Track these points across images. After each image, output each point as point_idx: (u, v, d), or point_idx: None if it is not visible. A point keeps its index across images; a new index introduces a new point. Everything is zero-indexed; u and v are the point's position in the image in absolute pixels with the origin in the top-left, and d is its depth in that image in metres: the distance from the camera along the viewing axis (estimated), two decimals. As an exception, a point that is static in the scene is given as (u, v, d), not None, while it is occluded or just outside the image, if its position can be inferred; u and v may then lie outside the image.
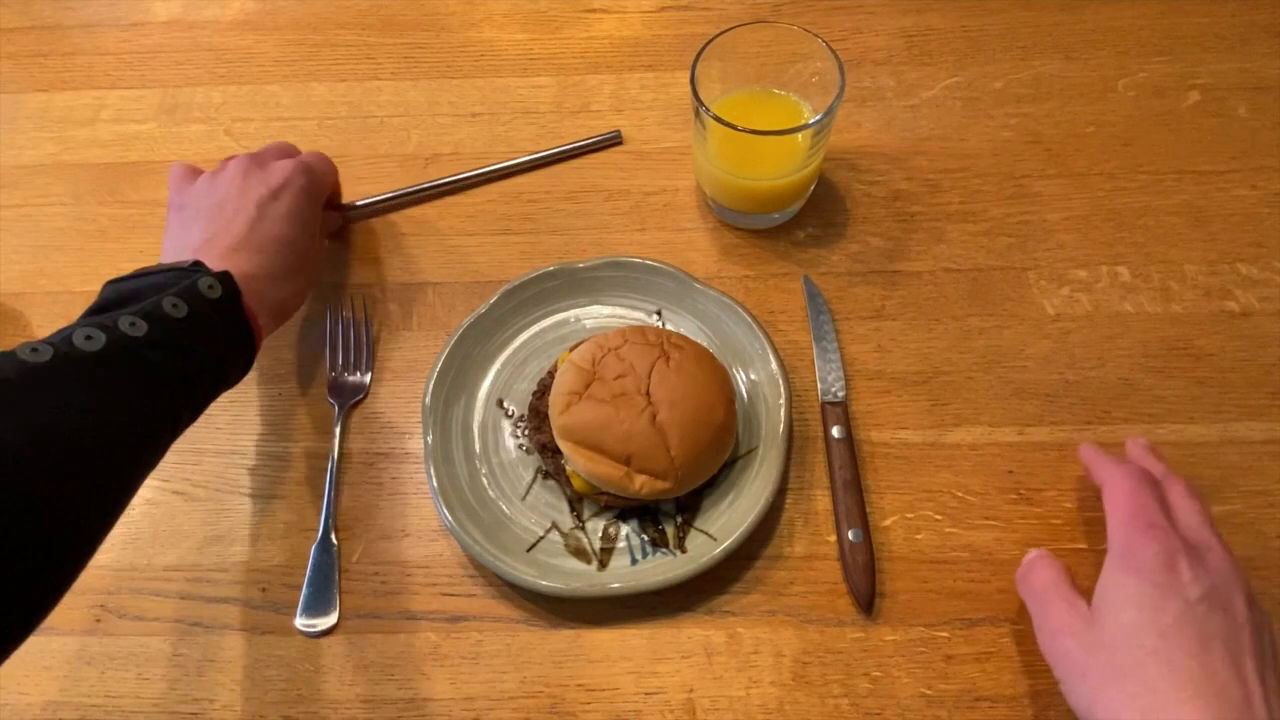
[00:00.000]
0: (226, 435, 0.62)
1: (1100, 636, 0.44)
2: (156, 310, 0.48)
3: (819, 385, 0.61)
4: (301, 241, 0.58)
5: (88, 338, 0.45)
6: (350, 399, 0.63)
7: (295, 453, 0.62)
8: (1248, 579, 0.46)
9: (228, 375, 0.53)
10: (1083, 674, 0.44)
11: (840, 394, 0.61)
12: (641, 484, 0.54)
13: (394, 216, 0.70)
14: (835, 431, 0.59)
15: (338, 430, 0.61)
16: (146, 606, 0.57)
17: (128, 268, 0.68)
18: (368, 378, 0.64)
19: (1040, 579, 0.49)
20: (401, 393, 0.63)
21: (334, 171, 0.66)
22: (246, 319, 0.53)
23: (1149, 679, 0.42)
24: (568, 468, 0.56)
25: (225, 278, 0.52)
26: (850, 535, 0.55)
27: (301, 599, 0.56)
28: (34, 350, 0.43)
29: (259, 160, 0.60)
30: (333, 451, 0.61)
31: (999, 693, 0.52)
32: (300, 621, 0.56)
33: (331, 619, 0.56)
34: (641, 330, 0.58)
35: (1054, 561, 0.50)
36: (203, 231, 0.56)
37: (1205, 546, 0.46)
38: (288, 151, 0.64)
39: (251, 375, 0.64)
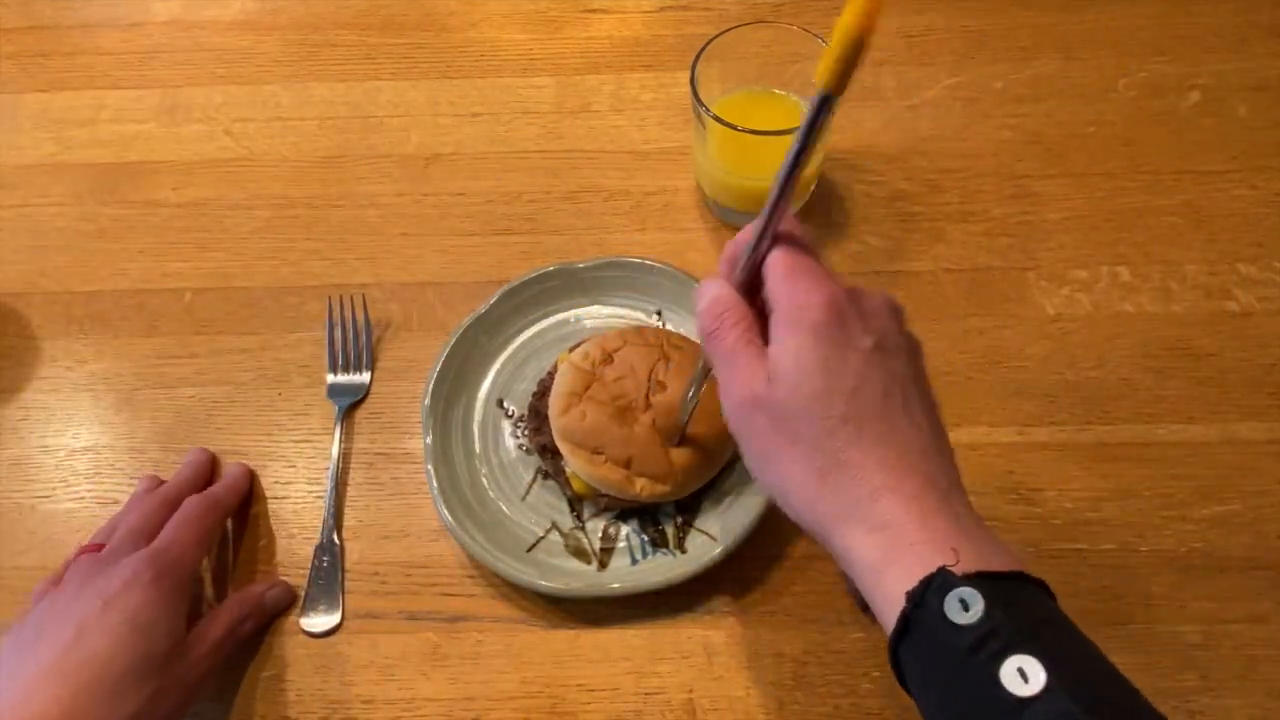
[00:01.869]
0: (226, 435, 0.62)
1: (785, 406, 0.39)
2: None
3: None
4: (139, 648, 0.47)
5: None
6: (350, 399, 0.63)
7: (295, 453, 0.62)
8: (891, 297, 0.42)
9: None
10: (762, 440, 0.40)
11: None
12: (642, 487, 0.54)
13: (394, 216, 0.70)
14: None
15: (338, 430, 0.61)
16: (146, 606, 0.57)
17: (128, 268, 0.69)
18: (367, 377, 0.64)
19: (731, 337, 0.41)
20: (401, 393, 0.63)
21: (223, 513, 0.57)
22: None
23: (837, 448, 0.38)
24: (567, 469, 0.56)
25: None
26: (850, 535, 0.55)
27: (304, 599, 0.56)
28: None
29: (100, 562, 0.50)
30: (333, 451, 0.61)
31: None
32: (304, 621, 0.56)
33: (335, 618, 0.56)
34: (641, 331, 0.58)
35: (744, 310, 0.42)
36: (10, 665, 0.47)
37: (865, 294, 0.42)
38: (148, 527, 0.53)
39: (251, 376, 0.64)
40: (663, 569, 0.55)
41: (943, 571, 0.34)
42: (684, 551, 0.56)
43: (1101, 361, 0.62)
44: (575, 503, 0.58)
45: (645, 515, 0.57)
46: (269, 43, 0.80)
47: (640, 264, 0.64)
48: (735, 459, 0.58)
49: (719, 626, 0.55)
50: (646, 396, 0.54)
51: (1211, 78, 0.72)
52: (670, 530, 0.57)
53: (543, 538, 0.57)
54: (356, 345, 0.65)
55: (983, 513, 0.57)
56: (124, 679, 0.46)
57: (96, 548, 0.52)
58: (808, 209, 0.68)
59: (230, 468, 0.60)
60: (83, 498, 0.61)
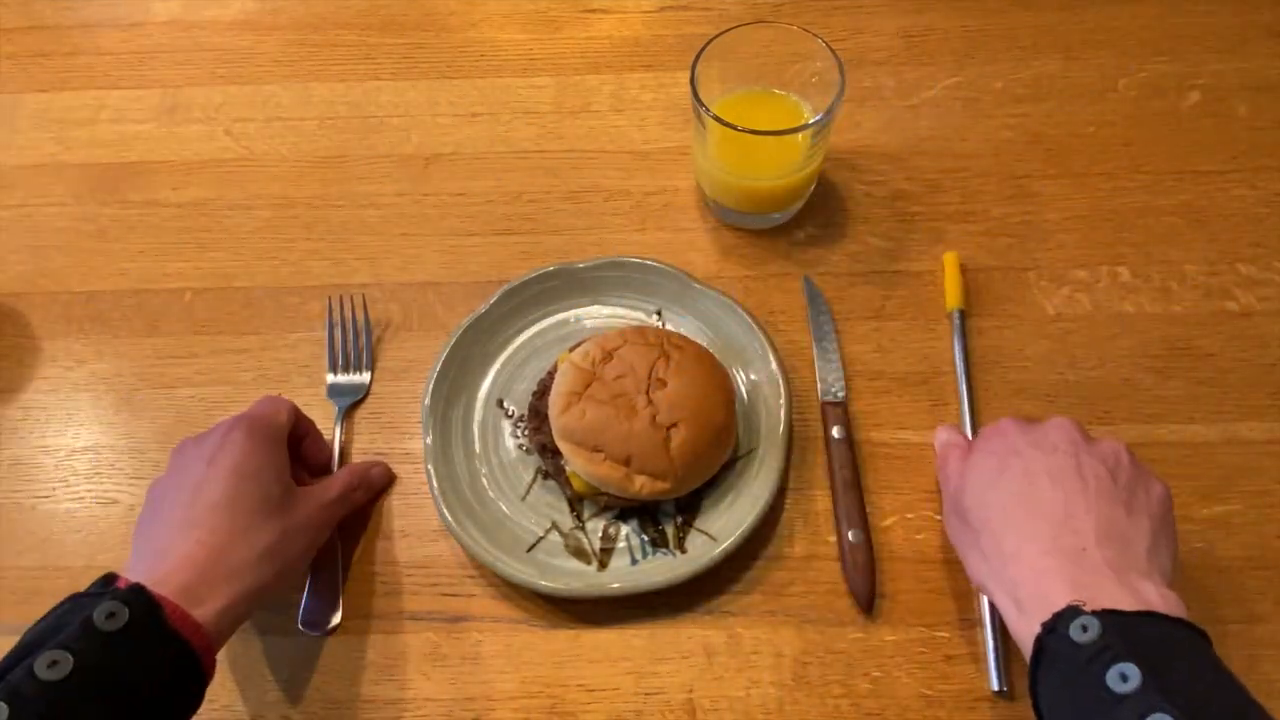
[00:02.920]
0: (226, 435, 0.62)
1: (961, 513, 0.50)
2: (25, 679, 0.39)
3: (819, 385, 0.61)
4: (255, 493, 0.50)
5: None
6: (350, 399, 0.63)
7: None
8: (1084, 431, 0.49)
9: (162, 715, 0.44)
10: (956, 533, 0.51)
11: (840, 394, 0.61)
12: (641, 484, 0.54)
13: (394, 216, 0.70)
14: (835, 431, 0.59)
15: (338, 430, 0.61)
16: (146, 606, 0.57)
17: (128, 268, 0.69)
18: (367, 377, 0.64)
19: (952, 458, 0.53)
20: (401, 393, 0.63)
21: (284, 408, 0.57)
22: (177, 635, 0.44)
23: (989, 530, 0.47)
24: (567, 468, 0.56)
25: (135, 594, 0.43)
26: (850, 535, 0.55)
27: (304, 599, 0.56)
28: None
29: (196, 437, 0.54)
30: (333, 451, 0.61)
31: (1017, 691, 0.52)
32: (304, 621, 0.56)
33: (335, 618, 0.56)
34: (641, 330, 0.58)
35: (964, 442, 0.54)
36: (147, 527, 0.51)
37: (1046, 421, 0.51)
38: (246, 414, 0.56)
39: (251, 376, 0.64)
40: (663, 569, 0.55)
41: (1070, 606, 0.41)
42: (684, 551, 0.56)
43: (1101, 361, 0.62)
44: (575, 502, 0.58)
45: (645, 515, 0.57)
46: (269, 43, 0.80)
47: (640, 264, 0.64)
48: (735, 458, 0.58)
49: (719, 626, 0.55)
50: (646, 395, 0.54)
51: (1211, 78, 0.72)
52: (670, 530, 0.57)
53: (543, 538, 0.57)
54: (356, 345, 0.65)
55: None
56: (251, 518, 0.50)
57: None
58: (808, 209, 0.68)
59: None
60: (83, 498, 0.61)
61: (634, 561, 0.56)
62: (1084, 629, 0.39)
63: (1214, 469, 0.58)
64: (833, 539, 0.57)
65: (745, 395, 0.61)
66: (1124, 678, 0.37)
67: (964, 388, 0.60)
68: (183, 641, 0.44)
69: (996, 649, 0.52)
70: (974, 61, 0.75)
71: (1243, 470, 0.58)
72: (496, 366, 0.63)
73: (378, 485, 0.60)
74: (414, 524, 0.59)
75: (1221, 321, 0.63)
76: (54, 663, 0.40)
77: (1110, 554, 0.43)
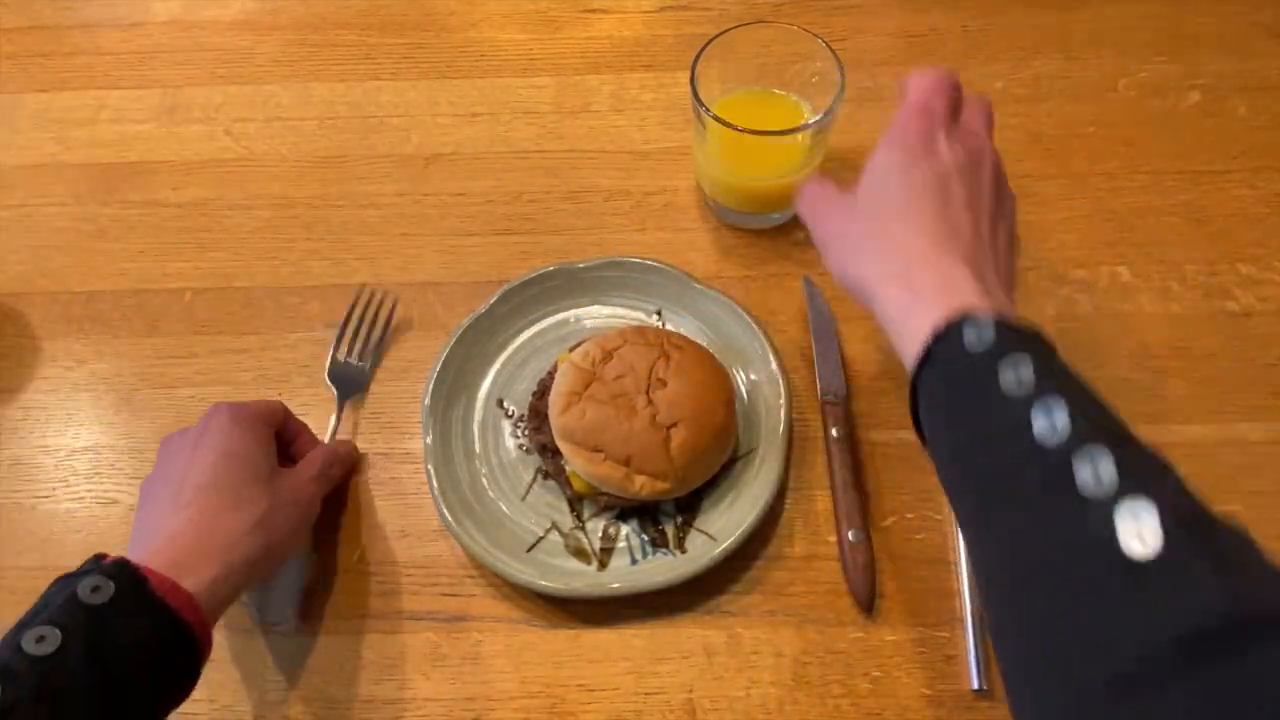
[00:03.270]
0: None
1: (857, 208, 0.48)
2: (13, 656, 0.39)
3: (818, 385, 0.61)
4: (241, 470, 0.51)
5: None
6: (350, 389, 0.62)
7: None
8: (1003, 164, 0.48)
9: (155, 694, 0.43)
10: (840, 239, 0.49)
11: (840, 394, 0.61)
12: (641, 484, 0.54)
13: (394, 216, 0.70)
14: (835, 431, 0.59)
15: (335, 420, 0.61)
16: (146, 606, 0.57)
17: (128, 268, 0.69)
18: (369, 367, 0.63)
19: (809, 192, 0.52)
20: (401, 393, 0.63)
21: (275, 403, 0.58)
22: (165, 606, 0.43)
23: (893, 233, 0.45)
24: (567, 468, 0.56)
25: (120, 567, 0.43)
26: (850, 535, 0.55)
27: (263, 593, 0.57)
28: None
29: (182, 429, 0.55)
30: (330, 438, 0.60)
31: (999, 693, 0.52)
32: (254, 612, 0.56)
33: (290, 615, 0.56)
34: (641, 330, 0.58)
35: (819, 178, 0.53)
36: (141, 514, 0.51)
37: (969, 131, 0.48)
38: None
39: (251, 377, 0.64)
40: (663, 569, 0.55)
41: (965, 311, 0.40)
42: (684, 551, 0.56)
43: (1101, 361, 0.62)
44: (575, 502, 0.58)
45: (645, 515, 0.57)
46: (269, 43, 0.80)
47: (640, 264, 0.64)
48: (735, 458, 0.58)
49: (719, 626, 0.55)
50: (646, 395, 0.55)
51: (1211, 78, 0.72)
52: (670, 530, 0.57)
53: (543, 538, 0.57)
54: (369, 335, 0.64)
55: (983, 513, 0.57)
56: (239, 493, 0.50)
57: None
58: (808, 209, 0.68)
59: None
60: (83, 498, 0.61)
61: (634, 561, 0.56)
62: (978, 336, 0.39)
63: (1214, 469, 0.58)
64: (833, 539, 0.57)
65: (745, 395, 0.61)
66: (1017, 377, 0.37)
67: None
68: (171, 612, 0.43)
69: (977, 647, 0.52)
70: (974, 61, 0.75)
71: (1243, 470, 0.58)
72: (496, 366, 0.63)
73: (345, 459, 0.59)
74: (414, 524, 0.59)
75: (1221, 321, 0.63)
76: (41, 638, 0.39)
77: (1006, 290, 0.44)
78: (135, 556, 0.45)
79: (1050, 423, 0.36)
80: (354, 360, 0.64)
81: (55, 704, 0.39)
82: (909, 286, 0.43)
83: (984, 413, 0.39)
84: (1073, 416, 0.35)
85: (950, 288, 0.42)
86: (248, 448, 0.52)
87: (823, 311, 0.64)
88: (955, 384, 0.40)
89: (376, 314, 0.65)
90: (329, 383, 0.63)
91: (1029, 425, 0.36)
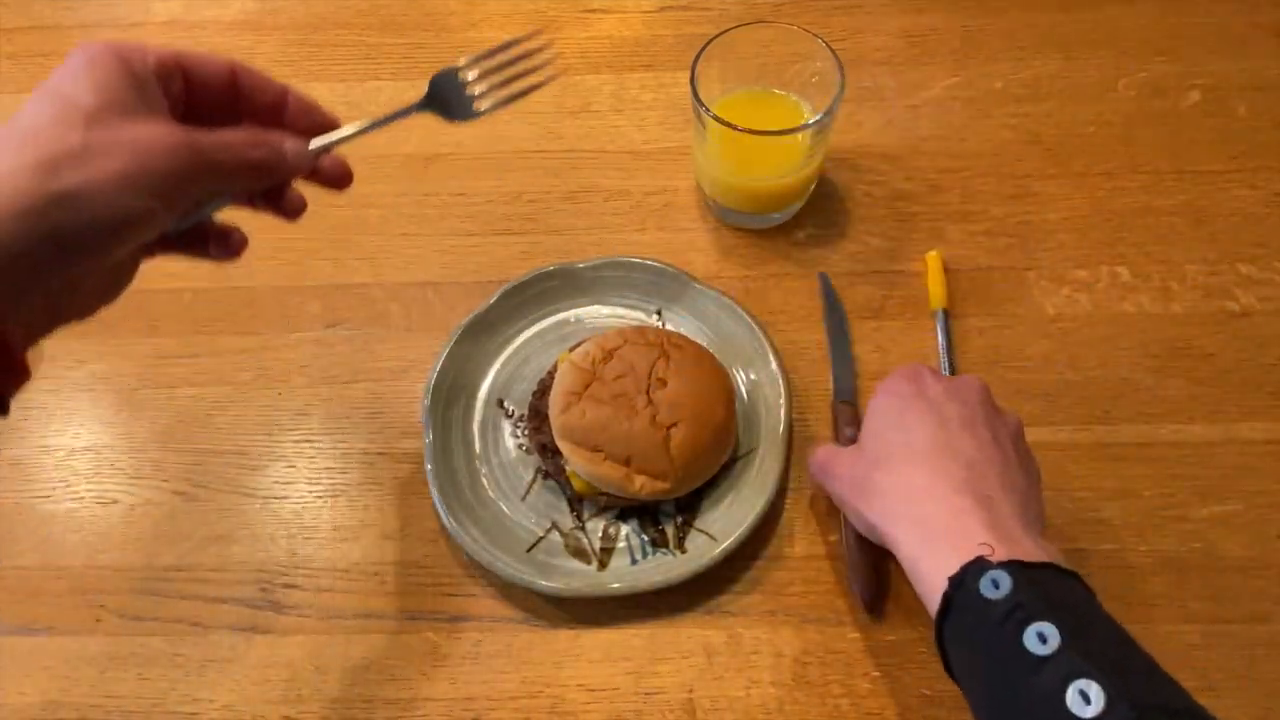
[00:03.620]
0: (226, 435, 0.62)
1: (862, 453, 0.50)
2: None
3: (833, 385, 0.61)
4: (50, 99, 0.43)
5: None
6: (448, 106, 0.54)
7: (295, 453, 0.62)
8: (992, 394, 0.51)
9: None
10: (853, 486, 0.50)
11: (852, 394, 0.61)
12: (641, 484, 0.54)
13: (393, 215, 0.70)
14: (849, 431, 0.58)
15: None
16: (146, 606, 0.57)
17: (128, 268, 0.69)
18: (475, 107, 0.54)
19: (817, 456, 0.54)
20: (401, 393, 0.63)
21: (160, 53, 0.43)
22: None
23: (897, 469, 0.47)
24: (567, 468, 0.56)
25: None
26: (850, 535, 0.55)
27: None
28: None
29: None
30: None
31: (999, 693, 0.52)
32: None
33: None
34: (641, 330, 0.58)
35: (822, 445, 0.55)
36: None
37: (955, 377, 0.51)
38: None
39: (251, 376, 0.64)
40: (663, 569, 0.55)
41: (979, 559, 0.40)
42: (684, 551, 0.56)
43: (1101, 361, 0.62)
44: (575, 502, 0.58)
45: (645, 515, 0.57)
46: (269, 43, 0.80)
47: (640, 264, 0.64)
48: (735, 458, 0.58)
49: (719, 626, 0.55)
50: (646, 394, 0.55)
51: (1211, 78, 0.72)
52: (670, 530, 0.57)
53: (543, 538, 0.57)
54: (508, 82, 0.54)
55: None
56: (33, 120, 0.41)
57: None
58: (808, 209, 0.68)
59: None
60: (82, 498, 0.61)
61: (634, 561, 0.56)
62: (995, 585, 0.39)
63: (1214, 469, 0.58)
64: (833, 539, 0.57)
65: (745, 395, 0.61)
66: (1042, 639, 0.37)
67: None
68: None
69: None
70: (974, 61, 0.75)
71: (1243, 470, 0.58)
72: (496, 366, 0.63)
73: (291, 158, 0.47)
74: (414, 524, 0.59)
75: (1221, 321, 0.63)
76: None
77: (1013, 506, 0.44)
78: None
79: (1082, 698, 0.36)
80: (473, 91, 0.53)
81: None
82: (919, 523, 0.45)
83: (1016, 682, 0.38)
84: (1106, 693, 0.35)
85: (959, 529, 0.43)
86: (61, 81, 0.42)
87: (838, 310, 0.64)
88: (980, 637, 0.40)
89: (531, 69, 0.54)
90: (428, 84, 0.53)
91: (1062, 700, 0.36)
